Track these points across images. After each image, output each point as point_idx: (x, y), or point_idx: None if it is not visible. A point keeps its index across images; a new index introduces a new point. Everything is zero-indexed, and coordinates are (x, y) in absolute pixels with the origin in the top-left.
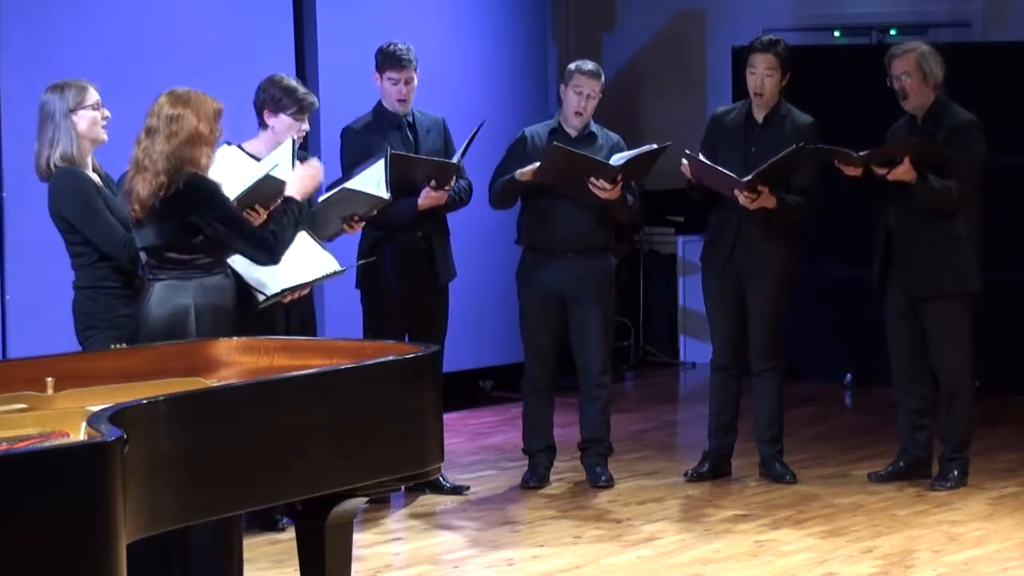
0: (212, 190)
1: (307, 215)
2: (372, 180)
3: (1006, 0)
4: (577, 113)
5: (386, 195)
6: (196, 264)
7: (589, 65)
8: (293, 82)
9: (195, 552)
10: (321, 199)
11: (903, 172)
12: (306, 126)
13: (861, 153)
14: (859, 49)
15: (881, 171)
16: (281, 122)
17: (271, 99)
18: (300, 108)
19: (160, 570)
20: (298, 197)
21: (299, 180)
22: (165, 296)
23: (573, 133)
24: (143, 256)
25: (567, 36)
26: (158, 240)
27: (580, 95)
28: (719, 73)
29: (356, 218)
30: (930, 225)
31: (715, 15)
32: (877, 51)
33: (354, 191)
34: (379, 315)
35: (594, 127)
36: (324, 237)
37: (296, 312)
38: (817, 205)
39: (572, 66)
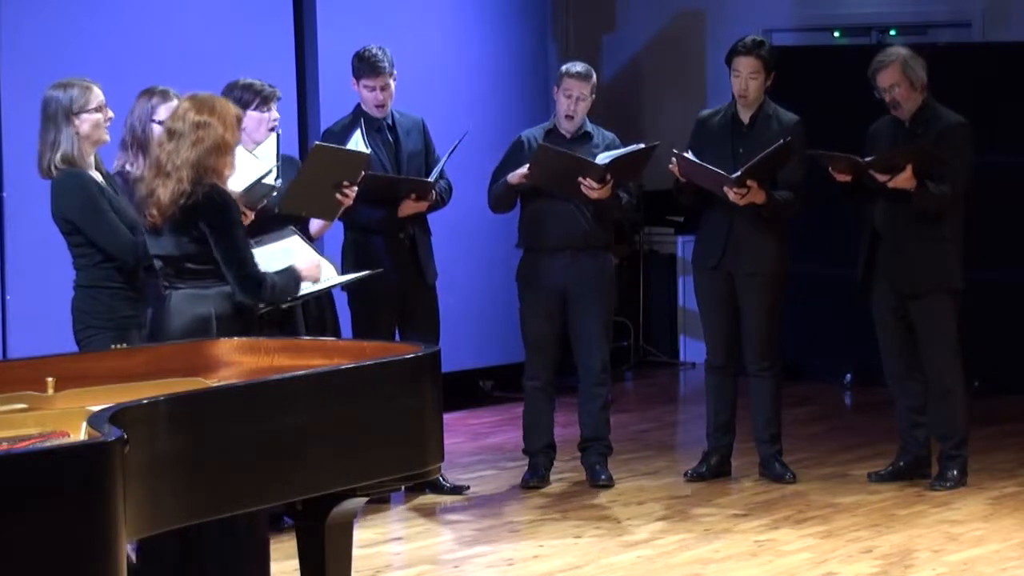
0: (227, 208)
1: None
2: (350, 145)
3: (1006, 0)
4: (568, 116)
5: (366, 149)
6: (215, 274)
7: (578, 67)
8: (250, 79)
9: (211, 552)
10: (302, 166)
11: (905, 180)
12: (276, 115)
13: (866, 159)
14: (859, 49)
15: (882, 178)
16: (250, 119)
17: (235, 102)
18: (263, 99)
19: (177, 570)
20: (304, 276)
21: (315, 269)
22: (184, 307)
23: (568, 134)
24: (158, 264)
25: (567, 36)
26: (176, 251)
27: (570, 98)
28: (719, 73)
29: (346, 184)
30: (917, 226)
31: (715, 15)
32: (877, 51)
33: (329, 147)
34: (368, 316)
35: (589, 127)
36: (330, 217)
37: (315, 313)
38: (806, 200)
39: (562, 68)
